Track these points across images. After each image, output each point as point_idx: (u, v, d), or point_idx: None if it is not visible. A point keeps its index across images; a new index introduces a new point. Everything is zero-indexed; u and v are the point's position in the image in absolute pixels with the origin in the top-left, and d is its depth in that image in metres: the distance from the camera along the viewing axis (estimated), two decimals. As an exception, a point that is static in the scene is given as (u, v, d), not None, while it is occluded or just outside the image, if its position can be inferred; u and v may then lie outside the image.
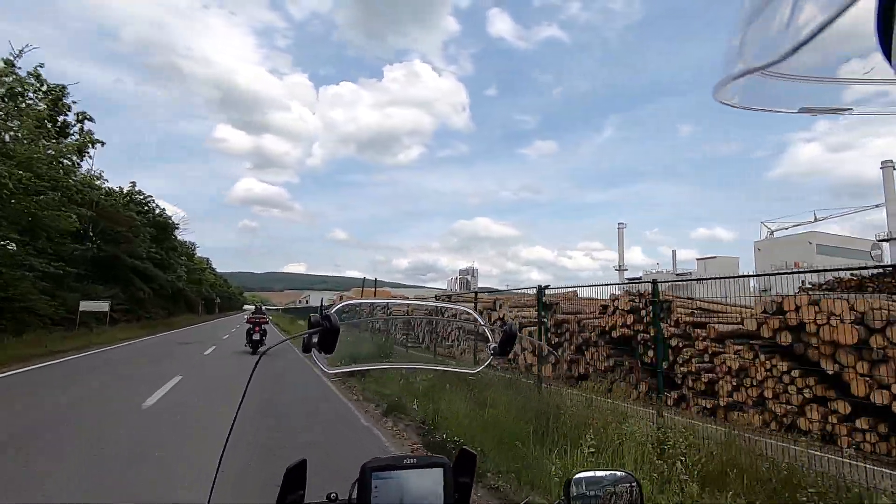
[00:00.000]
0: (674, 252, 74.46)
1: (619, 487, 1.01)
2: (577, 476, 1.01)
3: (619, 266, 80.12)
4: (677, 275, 47.22)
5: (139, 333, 22.62)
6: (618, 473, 1.03)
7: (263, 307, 18.38)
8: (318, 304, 27.49)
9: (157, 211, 38.29)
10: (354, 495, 0.91)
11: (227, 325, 35.48)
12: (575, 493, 0.98)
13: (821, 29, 0.34)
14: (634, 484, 1.02)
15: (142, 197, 36.16)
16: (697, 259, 58.63)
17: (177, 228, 42.01)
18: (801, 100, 0.43)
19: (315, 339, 0.82)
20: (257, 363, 0.85)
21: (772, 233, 59.56)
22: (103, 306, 21.14)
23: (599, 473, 1.02)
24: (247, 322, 15.31)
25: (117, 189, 32.72)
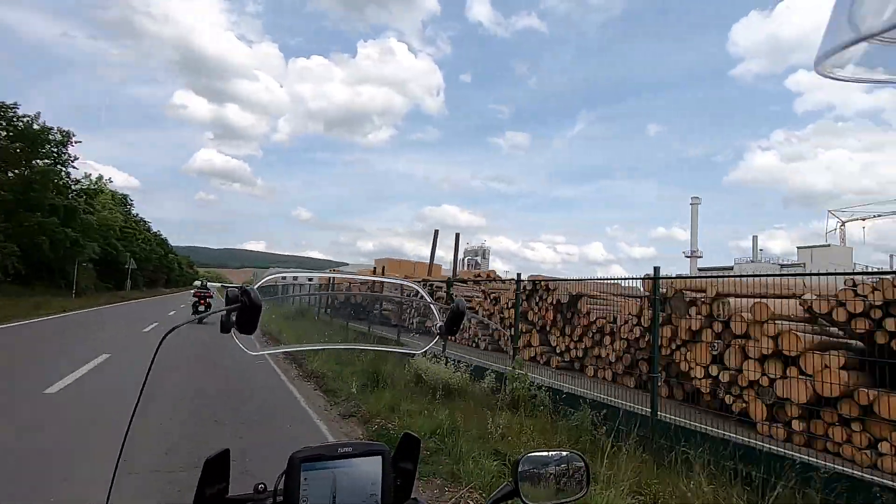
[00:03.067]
0: (755, 238, 58.24)
1: (567, 466, 1.02)
2: (526, 456, 1.01)
3: (693, 252, 59.90)
4: (781, 266, 43.11)
5: None
6: (564, 453, 1.04)
7: (209, 284, 22.75)
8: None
9: None
10: (281, 487, 0.84)
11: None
12: (523, 472, 0.98)
13: None
14: (581, 462, 1.04)
15: None
16: (799, 248, 49.73)
17: None
18: None
19: (233, 318, 0.73)
20: (162, 340, 0.73)
21: (843, 224, 51.27)
22: None
23: (547, 453, 1.04)
24: (193, 296, 19.33)
25: None
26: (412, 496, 0.99)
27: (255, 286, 0.76)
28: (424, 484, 4.08)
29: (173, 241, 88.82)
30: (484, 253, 71.66)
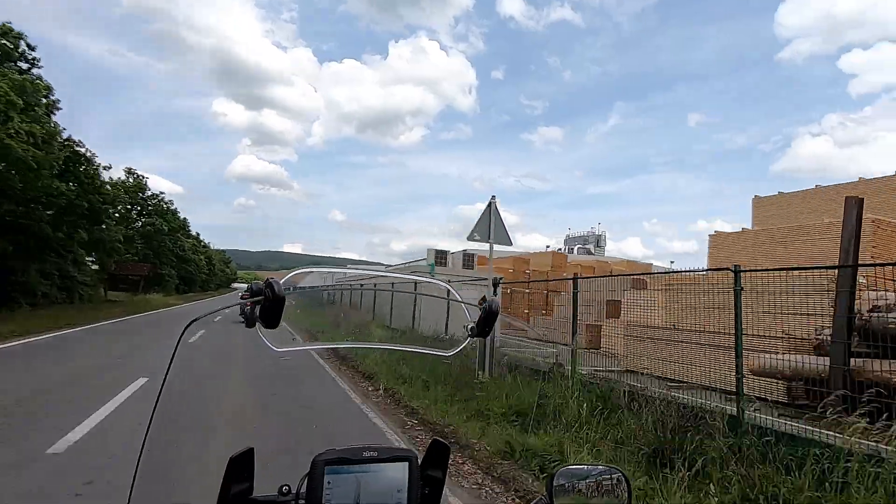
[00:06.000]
0: None
1: (605, 481, 0.98)
2: (562, 470, 0.97)
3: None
4: None
5: None
6: (601, 467, 1.00)
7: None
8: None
9: None
10: (304, 490, 0.82)
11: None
12: (559, 487, 0.94)
13: None
14: (621, 477, 0.98)
15: None
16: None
17: None
18: None
19: (257, 312, 0.71)
20: (185, 330, 0.72)
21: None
22: None
23: (584, 467, 1.00)
24: (241, 298, 19.16)
25: None
26: None
27: (282, 280, 0.74)
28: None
29: (215, 245, 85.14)
30: (598, 240, 51.15)
